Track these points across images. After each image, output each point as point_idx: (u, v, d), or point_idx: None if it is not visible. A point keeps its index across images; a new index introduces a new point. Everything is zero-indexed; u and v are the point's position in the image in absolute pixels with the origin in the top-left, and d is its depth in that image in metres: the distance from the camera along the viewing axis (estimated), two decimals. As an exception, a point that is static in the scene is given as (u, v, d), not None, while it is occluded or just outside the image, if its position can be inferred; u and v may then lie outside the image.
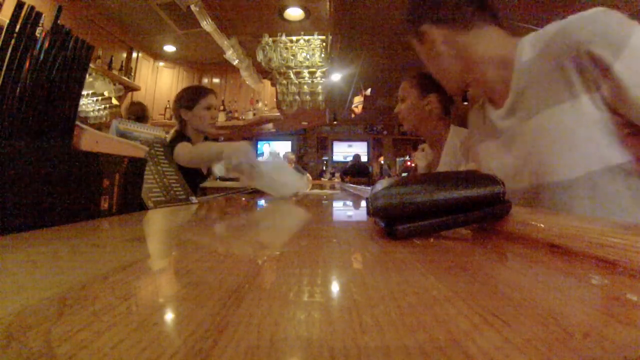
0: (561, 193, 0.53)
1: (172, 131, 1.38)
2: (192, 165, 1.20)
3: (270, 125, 4.33)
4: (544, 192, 0.55)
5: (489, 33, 0.62)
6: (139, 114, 2.28)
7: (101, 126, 2.93)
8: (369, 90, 4.29)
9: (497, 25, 0.62)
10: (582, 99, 0.49)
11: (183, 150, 1.17)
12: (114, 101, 3.16)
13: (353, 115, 4.78)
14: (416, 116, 1.08)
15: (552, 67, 0.51)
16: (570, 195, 0.52)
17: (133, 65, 3.47)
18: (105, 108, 3.10)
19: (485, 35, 0.61)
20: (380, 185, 0.38)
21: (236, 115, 4.06)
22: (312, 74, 2.85)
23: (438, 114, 1.06)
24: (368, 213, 0.39)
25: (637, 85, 0.43)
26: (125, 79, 3.29)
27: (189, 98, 1.31)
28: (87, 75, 0.62)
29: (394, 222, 0.37)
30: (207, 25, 2.37)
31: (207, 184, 1.93)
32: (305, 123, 4.70)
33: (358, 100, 4.44)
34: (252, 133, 5.09)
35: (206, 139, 1.42)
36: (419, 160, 1.23)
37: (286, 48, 2.64)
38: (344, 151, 7.75)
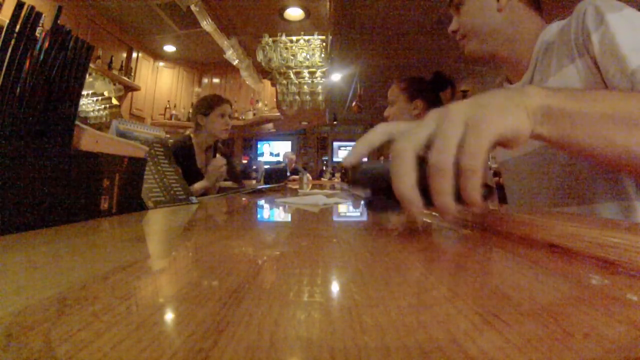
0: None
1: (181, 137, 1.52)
2: None
3: (270, 125, 4.33)
4: (560, 158, 0.62)
5: (532, 12, 0.70)
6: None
7: (101, 126, 2.94)
8: (362, 90, 4.31)
9: (536, 10, 0.71)
10: (578, 62, 0.57)
11: None
12: (114, 101, 3.16)
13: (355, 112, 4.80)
14: (404, 120, 1.10)
15: (565, 39, 0.60)
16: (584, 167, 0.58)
17: (133, 65, 3.47)
18: (105, 108, 3.11)
19: (530, 13, 0.69)
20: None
21: (236, 115, 4.06)
22: (312, 74, 2.85)
23: None
24: (348, 182, 0.39)
25: (606, 51, 0.52)
26: (125, 79, 3.29)
27: (206, 105, 1.45)
28: (87, 75, 0.62)
29: (374, 194, 0.37)
30: (207, 25, 2.37)
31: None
32: (305, 123, 4.70)
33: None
34: (252, 133, 5.09)
35: (213, 150, 1.60)
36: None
37: (286, 48, 2.64)
38: (344, 151, 7.76)
